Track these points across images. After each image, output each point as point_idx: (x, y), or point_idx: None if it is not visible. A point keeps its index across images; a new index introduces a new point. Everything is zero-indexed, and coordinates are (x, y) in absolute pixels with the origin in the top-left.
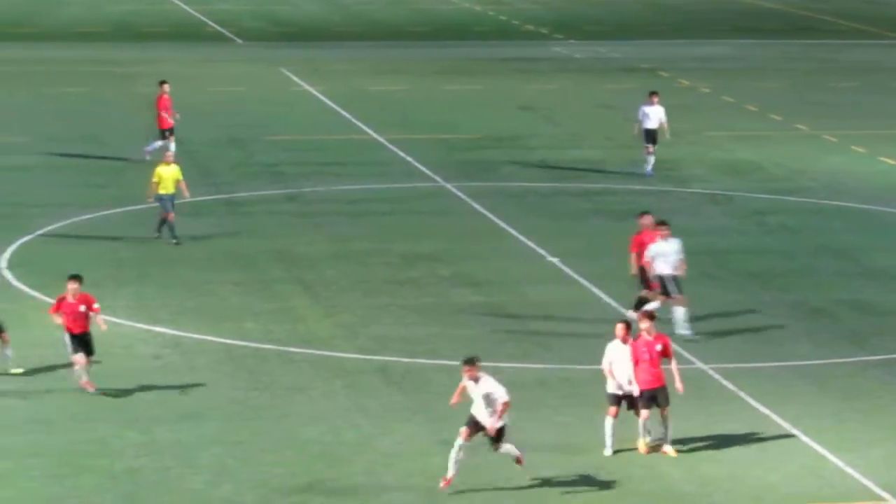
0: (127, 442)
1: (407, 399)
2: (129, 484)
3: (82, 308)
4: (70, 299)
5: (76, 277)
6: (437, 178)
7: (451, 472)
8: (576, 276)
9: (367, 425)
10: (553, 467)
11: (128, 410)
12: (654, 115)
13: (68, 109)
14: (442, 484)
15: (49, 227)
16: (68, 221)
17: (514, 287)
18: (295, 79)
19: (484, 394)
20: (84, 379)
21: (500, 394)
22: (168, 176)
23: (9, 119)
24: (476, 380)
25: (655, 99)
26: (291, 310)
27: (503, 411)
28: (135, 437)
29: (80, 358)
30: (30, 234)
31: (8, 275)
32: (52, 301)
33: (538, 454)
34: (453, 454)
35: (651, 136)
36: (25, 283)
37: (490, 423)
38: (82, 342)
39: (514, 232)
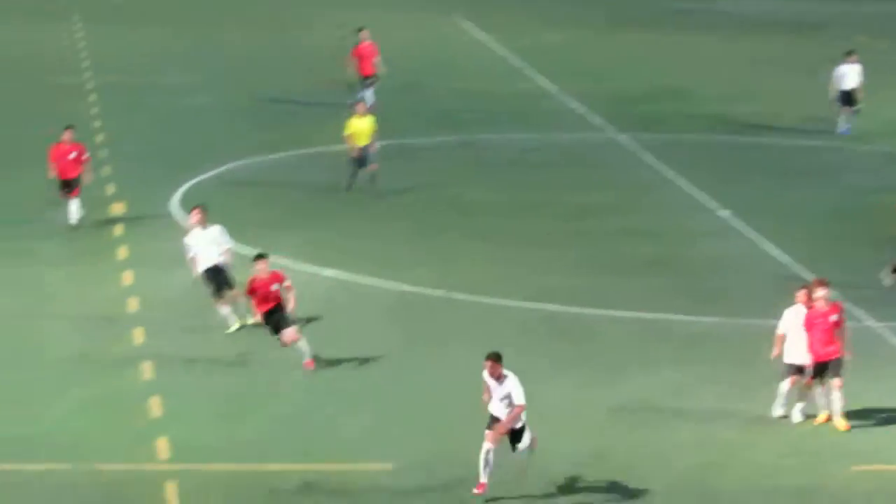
0: (294, 386)
1: (574, 349)
2: (291, 427)
3: (274, 287)
4: (260, 279)
5: (262, 256)
6: (609, 130)
7: (483, 479)
8: (746, 231)
9: (533, 376)
10: (724, 426)
11: (295, 353)
12: (852, 75)
13: (242, 53)
14: (476, 490)
15: (221, 169)
16: (240, 163)
17: (684, 240)
18: (469, 27)
19: (505, 393)
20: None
21: (518, 396)
22: (362, 128)
23: (184, 60)
24: (498, 378)
25: (852, 58)
26: (461, 257)
27: (516, 415)
28: (301, 380)
29: (287, 334)
30: (202, 175)
31: (178, 216)
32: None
33: (707, 414)
34: (482, 459)
35: (847, 97)
36: None
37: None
38: (272, 321)
39: (684, 185)
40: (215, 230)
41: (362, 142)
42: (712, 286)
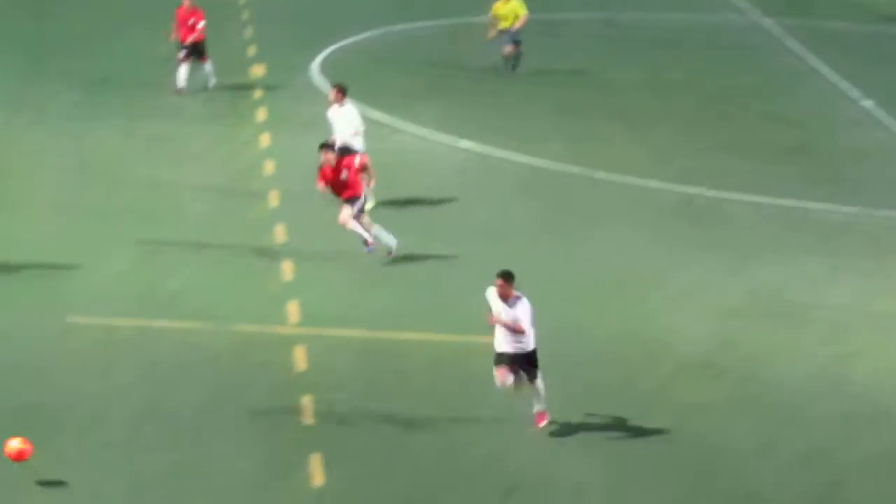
0: (431, 256)
1: (710, 234)
2: (423, 297)
3: (343, 175)
4: (327, 168)
5: (325, 146)
6: (754, 13)
7: (537, 407)
8: (890, 122)
9: (667, 258)
10: (858, 318)
11: (432, 222)
12: None
13: None
14: (538, 424)
15: (362, 37)
16: (382, 31)
17: (826, 128)
18: None
19: (513, 317)
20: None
21: (525, 320)
22: (506, 11)
23: None
24: (508, 299)
25: None
26: (600, 135)
27: (511, 327)
28: (432, 250)
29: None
30: (343, 41)
31: (318, 81)
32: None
33: (842, 306)
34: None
35: None
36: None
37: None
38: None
39: (828, 73)
40: (350, 110)
41: (505, 24)
42: (853, 176)
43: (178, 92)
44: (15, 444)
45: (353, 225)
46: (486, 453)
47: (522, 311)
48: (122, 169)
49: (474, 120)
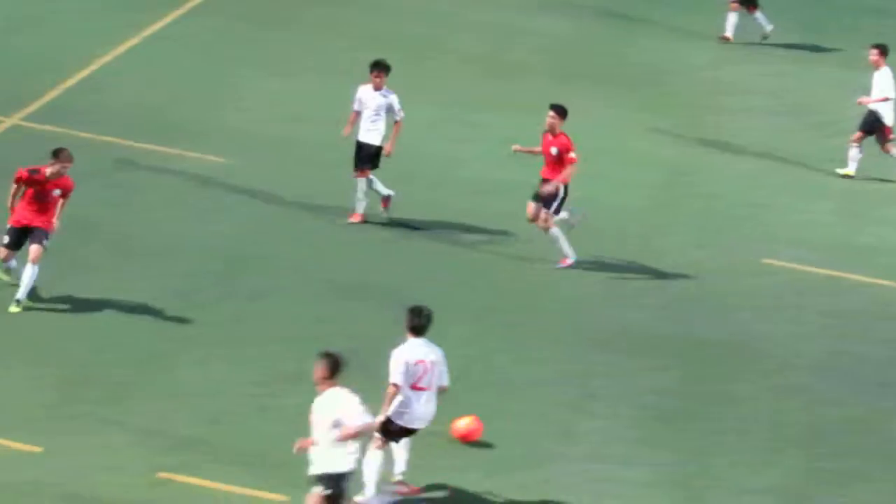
0: None
1: None
2: None
3: (552, 150)
4: (546, 135)
5: (553, 107)
6: None
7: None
8: None
9: None
10: None
11: None
12: None
13: None
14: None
15: None
16: None
17: None
18: None
19: (334, 420)
20: None
21: (356, 417)
22: None
23: None
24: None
25: None
26: None
27: (348, 435)
28: None
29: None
30: None
31: None
32: None
33: None
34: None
35: None
36: None
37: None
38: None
39: None
40: (886, 75)
41: None
42: None
43: (724, 39)
44: (464, 423)
45: (554, 230)
46: None
47: (346, 404)
48: (831, 116)
49: None
